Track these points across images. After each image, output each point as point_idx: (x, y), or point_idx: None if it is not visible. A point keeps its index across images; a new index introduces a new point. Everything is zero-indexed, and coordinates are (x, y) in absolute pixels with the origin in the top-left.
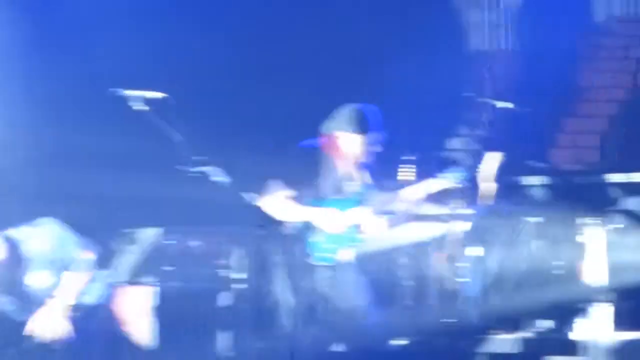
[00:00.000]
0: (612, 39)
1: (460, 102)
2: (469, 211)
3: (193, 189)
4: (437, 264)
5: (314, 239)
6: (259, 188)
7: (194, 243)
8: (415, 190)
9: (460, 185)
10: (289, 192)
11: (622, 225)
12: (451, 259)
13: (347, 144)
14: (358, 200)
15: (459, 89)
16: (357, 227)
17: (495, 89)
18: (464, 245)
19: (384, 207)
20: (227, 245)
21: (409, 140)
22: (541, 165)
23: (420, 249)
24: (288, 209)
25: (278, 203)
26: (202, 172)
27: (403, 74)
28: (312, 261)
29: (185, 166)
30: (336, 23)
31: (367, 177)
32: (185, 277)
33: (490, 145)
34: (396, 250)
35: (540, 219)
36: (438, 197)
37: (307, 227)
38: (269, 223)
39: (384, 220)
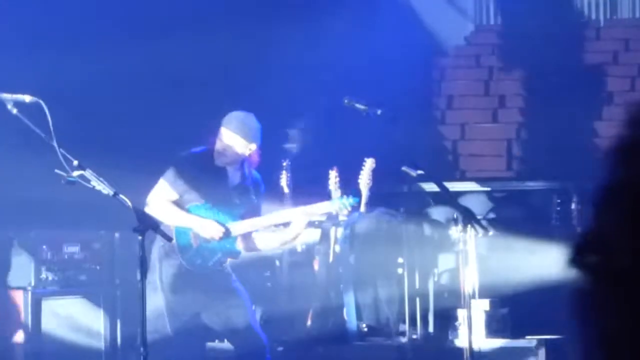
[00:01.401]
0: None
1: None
2: (345, 217)
3: (74, 193)
4: (314, 270)
5: (191, 244)
6: (143, 191)
7: (72, 248)
8: (305, 212)
9: (348, 210)
10: (173, 195)
11: (498, 233)
12: (326, 265)
13: (237, 149)
14: (242, 213)
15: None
16: (235, 239)
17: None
18: (340, 252)
19: (266, 224)
20: (106, 250)
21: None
22: (419, 172)
23: (294, 254)
24: (169, 213)
25: (159, 206)
26: (80, 177)
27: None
28: (187, 266)
29: (63, 170)
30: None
31: (256, 190)
32: (63, 282)
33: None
34: (270, 256)
35: (419, 226)
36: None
37: (185, 233)
38: (151, 227)
39: (265, 237)
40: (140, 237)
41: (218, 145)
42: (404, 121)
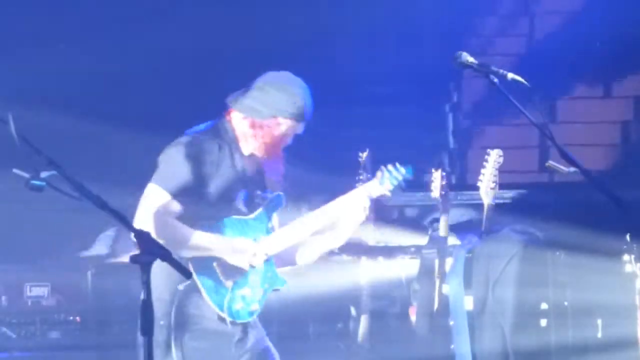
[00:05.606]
0: None
1: None
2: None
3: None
4: (410, 322)
5: (220, 282)
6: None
7: (39, 290)
8: (345, 203)
9: (402, 187)
10: (174, 206)
11: None
12: (429, 315)
13: (281, 134)
14: (269, 218)
15: None
16: (274, 259)
17: None
18: (450, 294)
19: (310, 229)
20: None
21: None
22: (572, 169)
23: (379, 298)
24: (175, 234)
25: (157, 224)
26: (51, 178)
27: None
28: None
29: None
30: None
31: (278, 184)
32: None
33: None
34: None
35: (573, 253)
36: (413, 220)
37: (208, 267)
38: (159, 255)
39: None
40: (143, 273)
41: (255, 133)
42: None
